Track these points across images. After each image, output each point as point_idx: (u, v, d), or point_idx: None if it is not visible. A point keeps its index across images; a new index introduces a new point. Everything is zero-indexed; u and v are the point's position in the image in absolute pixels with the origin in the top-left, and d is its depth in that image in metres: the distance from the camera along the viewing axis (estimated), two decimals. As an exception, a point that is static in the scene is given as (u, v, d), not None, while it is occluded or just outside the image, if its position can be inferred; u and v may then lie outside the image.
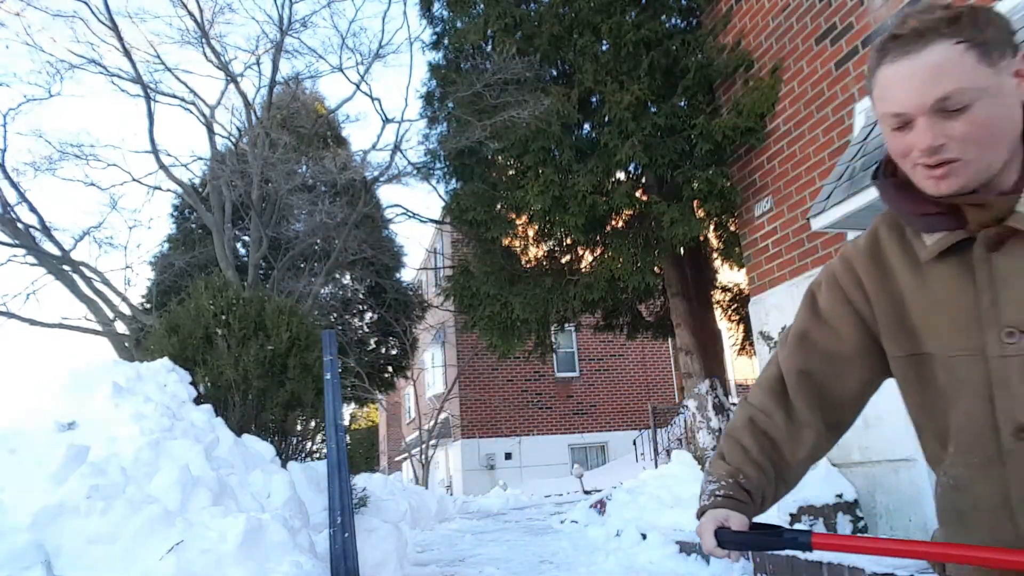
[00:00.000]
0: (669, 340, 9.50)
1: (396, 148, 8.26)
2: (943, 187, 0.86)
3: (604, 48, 6.10)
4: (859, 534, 4.15)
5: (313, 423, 3.95)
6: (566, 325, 8.10)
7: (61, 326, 7.76)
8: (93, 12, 7.33)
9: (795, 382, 1.09)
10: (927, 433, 1.04)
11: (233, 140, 8.90)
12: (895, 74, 0.86)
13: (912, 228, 0.94)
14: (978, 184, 0.87)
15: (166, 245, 11.28)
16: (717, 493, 1.06)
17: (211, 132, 8.27)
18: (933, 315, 0.94)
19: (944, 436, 0.98)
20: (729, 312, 8.92)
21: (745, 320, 8.39)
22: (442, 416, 16.03)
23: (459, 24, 7.01)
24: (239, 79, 8.31)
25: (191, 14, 7.77)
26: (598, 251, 7.22)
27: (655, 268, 6.73)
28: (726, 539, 1.04)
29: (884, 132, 0.89)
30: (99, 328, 7.71)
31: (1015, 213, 0.85)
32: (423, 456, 14.83)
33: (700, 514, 1.04)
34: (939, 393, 0.97)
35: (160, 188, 9.20)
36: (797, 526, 3.98)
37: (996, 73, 0.83)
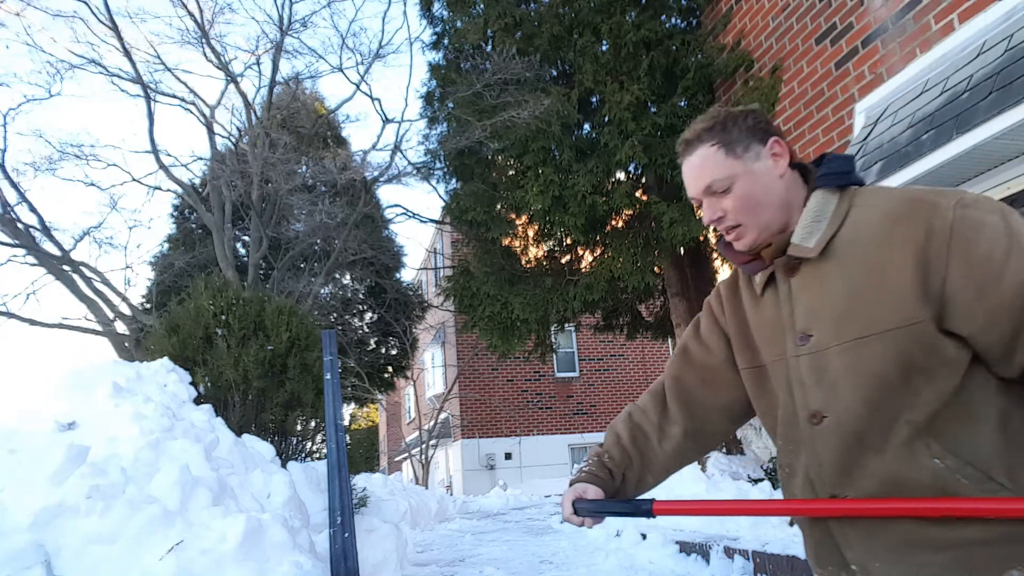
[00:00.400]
0: (669, 340, 9.49)
1: (396, 148, 8.27)
2: (740, 245, 1.18)
3: (604, 48, 6.10)
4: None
5: (313, 423, 3.95)
6: (566, 325, 8.10)
7: (61, 326, 7.76)
8: (93, 12, 7.34)
9: (671, 386, 1.33)
10: (768, 430, 1.27)
11: (233, 140, 8.90)
12: (684, 170, 1.21)
13: (741, 270, 1.26)
14: (770, 236, 1.17)
15: (166, 245, 11.28)
16: (583, 469, 1.31)
17: (211, 132, 8.28)
18: (762, 332, 1.21)
19: (774, 430, 1.22)
20: (729, 312, 8.92)
21: (745, 320, 8.38)
22: (442, 416, 16.04)
23: (459, 24, 7.01)
24: (239, 79, 8.31)
25: (191, 14, 7.78)
26: (598, 251, 7.22)
27: (655, 268, 6.73)
28: (580, 507, 1.25)
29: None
30: (99, 328, 7.71)
31: (790, 245, 1.14)
32: (423, 456, 14.84)
33: (569, 486, 1.29)
34: (771, 396, 1.21)
35: (160, 188, 9.20)
36: (797, 526, 3.97)
37: (743, 162, 1.15)
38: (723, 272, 9.03)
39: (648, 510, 1.20)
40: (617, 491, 1.31)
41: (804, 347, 1.12)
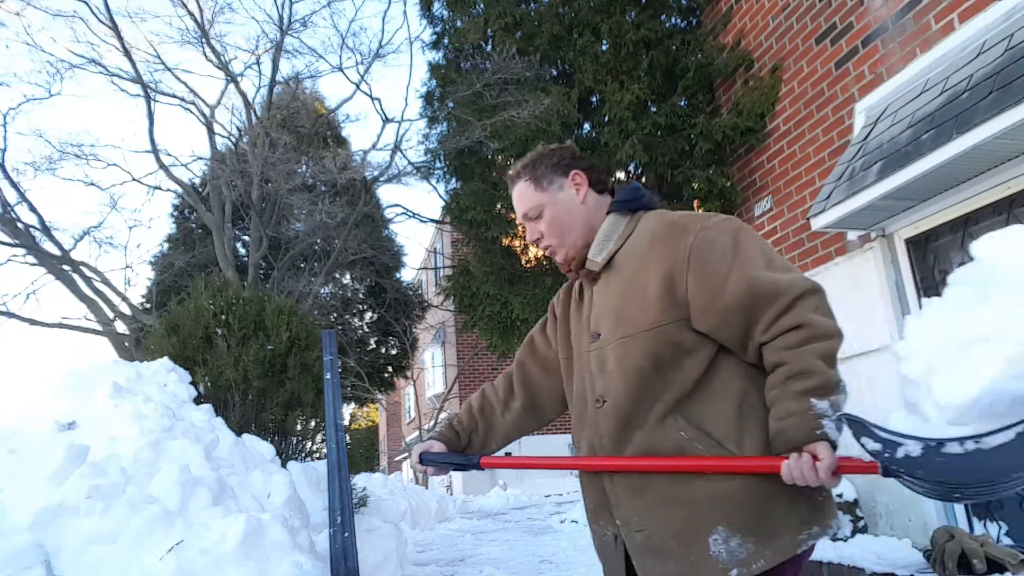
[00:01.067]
0: (669, 340, 9.49)
1: (396, 148, 8.27)
2: (557, 259, 1.48)
3: (604, 48, 6.09)
4: (859, 534, 4.15)
5: (313, 423, 3.95)
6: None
7: (61, 326, 7.76)
8: (93, 12, 7.33)
9: (517, 370, 1.64)
10: (571, 411, 1.55)
11: (233, 140, 8.89)
12: (513, 198, 1.51)
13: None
14: (577, 252, 1.45)
15: (166, 245, 11.28)
16: (436, 430, 1.61)
17: (211, 132, 8.27)
18: (575, 330, 1.49)
19: (572, 406, 1.52)
20: (729, 312, 8.93)
21: (745, 320, 8.38)
22: (442, 416, 16.03)
23: (459, 24, 7.00)
24: (239, 79, 8.31)
25: (191, 14, 7.77)
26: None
27: (655, 268, 6.72)
28: (425, 458, 1.57)
29: None
30: (99, 328, 7.71)
31: (587, 260, 1.42)
32: (423, 456, 14.81)
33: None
34: (573, 383, 1.48)
35: (160, 188, 9.20)
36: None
37: (549, 194, 1.45)
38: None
39: (476, 463, 1.54)
40: (463, 450, 1.61)
41: (594, 344, 1.39)
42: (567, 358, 1.51)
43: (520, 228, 1.34)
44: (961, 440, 1.01)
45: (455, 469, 1.60)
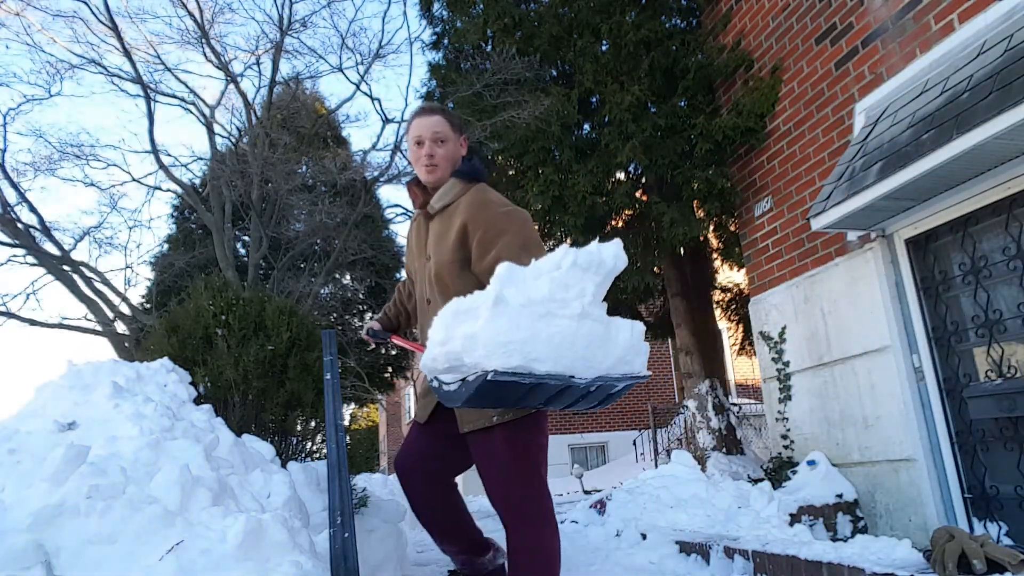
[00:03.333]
0: (669, 340, 9.49)
1: (396, 148, 8.26)
2: (431, 176, 2.13)
3: (604, 48, 6.09)
4: (859, 534, 4.15)
5: (313, 423, 3.94)
6: (566, 325, 8.07)
7: (61, 326, 7.75)
8: (93, 12, 7.32)
9: (407, 275, 2.43)
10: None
11: (233, 140, 8.88)
12: (420, 123, 2.13)
13: (415, 208, 2.23)
14: (439, 183, 2.14)
15: (166, 245, 11.26)
16: (378, 312, 2.47)
17: (211, 132, 8.27)
18: (417, 250, 2.21)
19: (417, 306, 2.28)
20: (729, 312, 8.92)
21: (745, 320, 8.39)
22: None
23: (459, 24, 7.00)
24: (239, 79, 8.30)
25: (191, 14, 7.76)
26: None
27: (655, 268, 6.73)
28: (369, 331, 2.40)
29: (409, 150, 2.20)
30: (99, 328, 7.70)
31: (429, 204, 2.14)
32: (423, 456, 14.80)
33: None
34: (415, 287, 2.26)
35: (160, 188, 9.18)
36: (797, 526, 3.98)
37: (455, 136, 2.16)
38: (723, 272, 9.04)
39: (387, 339, 2.34)
40: (395, 328, 2.48)
41: (428, 263, 2.11)
42: (412, 271, 2.28)
43: (414, 144, 2.15)
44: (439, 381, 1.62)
45: (380, 343, 2.40)
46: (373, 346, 2.37)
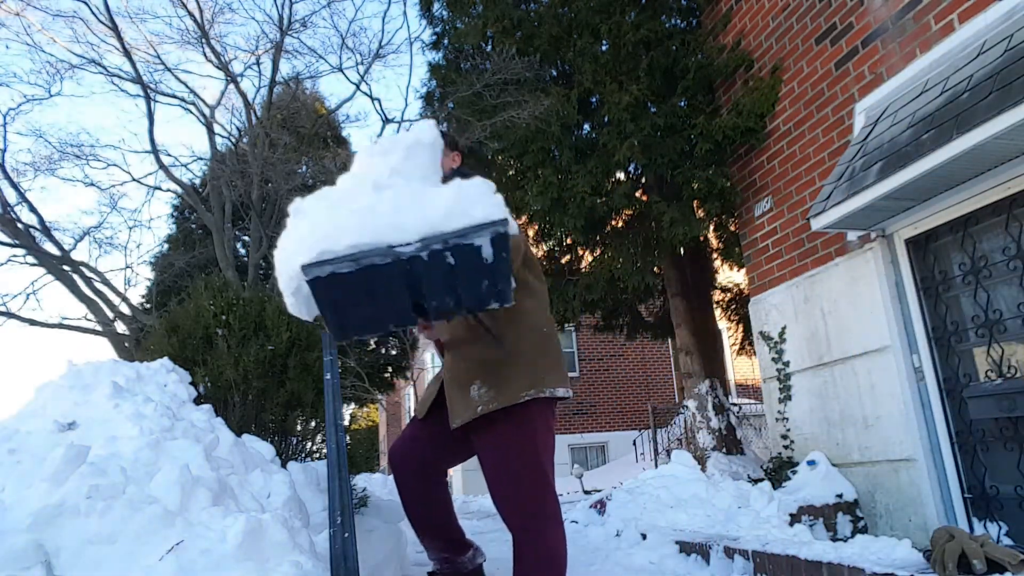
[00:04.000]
0: (669, 340, 9.49)
1: (396, 148, 8.23)
2: None
3: (604, 48, 6.08)
4: (859, 534, 4.15)
5: (313, 423, 3.94)
6: (566, 325, 8.10)
7: (61, 326, 7.75)
8: (93, 12, 7.32)
9: None
10: None
11: (233, 140, 8.88)
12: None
13: None
14: None
15: (166, 245, 11.26)
16: None
17: (211, 132, 8.27)
18: None
19: None
20: (729, 312, 8.92)
21: (745, 320, 8.38)
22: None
23: (459, 25, 7.00)
24: (239, 79, 8.30)
25: (191, 14, 7.76)
26: (598, 251, 7.21)
27: (655, 268, 6.72)
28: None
29: None
30: (99, 328, 7.69)
31: None
32: (423, 456, 14.79)
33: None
34: None
35: (160, 188, 9.18)
36: (797, 526, 3.98)
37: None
38: (723, 272, 9.04)
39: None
40: None
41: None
42: None
43: None
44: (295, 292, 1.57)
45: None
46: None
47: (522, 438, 2.05)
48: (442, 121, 7.37)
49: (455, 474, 16.45)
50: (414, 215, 1.48)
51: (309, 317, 1.62)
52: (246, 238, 10.04)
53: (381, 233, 1.46)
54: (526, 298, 2.08)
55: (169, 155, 13.18)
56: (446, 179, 2.14)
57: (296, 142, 8.58)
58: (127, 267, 10.78)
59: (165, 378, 3.05)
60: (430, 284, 1.53)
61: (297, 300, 1.57)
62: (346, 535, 2.02)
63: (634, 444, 14.85)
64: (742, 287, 8.57)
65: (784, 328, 5.13)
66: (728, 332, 10.12)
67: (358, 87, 8.30)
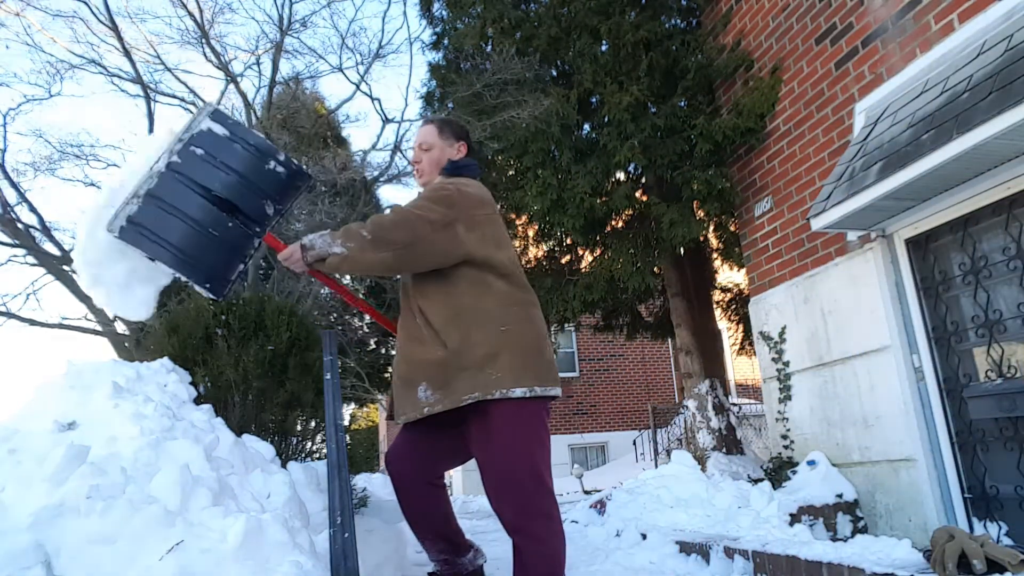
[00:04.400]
0: (669, 340, 9.48)
1: (396, 148, 8.26)
2: (420, 180, 2.38)
3: (603, 49, 6.08)
4: (859, 534, 4.15)
5: (313, 423, 3.94)
6: (566, 325, 8.10)
7: (61, 326, 7.74)
8: (93, 12, 7.31)
9: None
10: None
11: (233, 140, 8.86)
12: (418, 130, 2.43)
13: None
14: (426, 185, 2.35)
15: (166, 245, 11.24)
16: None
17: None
18: None
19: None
20: (729, 312, 8.92)
21: (745, 320, 8.38)
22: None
23: (459, 25, 7.00)
24: (239, 79, 8.29)
25: (191, 14, 7.76)
26: (598, 252, 7.21)
27: (655, 268, 6.72)
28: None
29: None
30: (99, 328, 7.69)
31: None
32: (423, 456, 14.79)
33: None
34: None
35: (160, 188, 9.16)
36: (797, 526, 3.98)
37: (445, 141, 2.37)
38: (723, 272, 9.04)
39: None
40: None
41: None
42: None
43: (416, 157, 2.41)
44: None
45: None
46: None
47: (510, 436, 2.05)
48: (443, 102, 7.37)
49: (455, 474, 16.44)
50: (155, 147, 1.99)
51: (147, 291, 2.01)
52: (246, 238, 10.01)
53: (140, 179, 1.91)
54: (483, 295, 2.09)
55: (169, 155, 13.12)
56: (445, 171, 2.33)
57: (296, 142, 8.58)
58: (127, 267, 10.74)
59: (165, 378, 3.05)
60: (206, 178, 1.91)
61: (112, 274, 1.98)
62: (346, 535, 2.02)
63: (634, 444, 14.85)
64: (742, 287, 8.57)
65: (784, 328, 5.13)
66: (728, 332, 10.12)
67: (358, 87, 8.30)
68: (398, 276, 2.59)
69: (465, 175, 2.32)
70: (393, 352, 13.53)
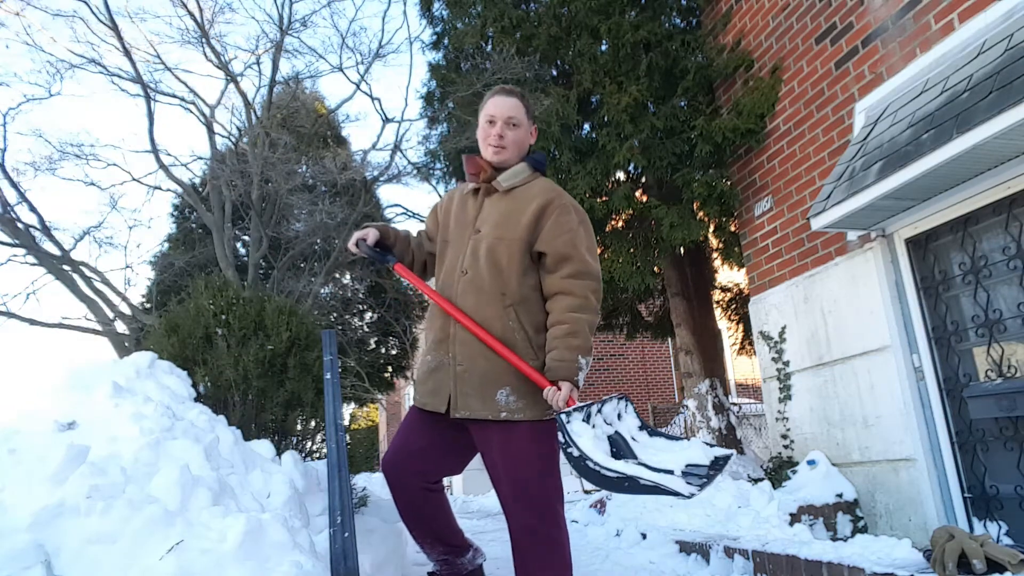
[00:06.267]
0: (669, 340, 9.49)
1: (396, 148, 8.27)
2: (498, 157, 2.21)
3: (603, 49, 6.08)
4: (859, 534, 4.15)
5: (313, 423, 3.94)
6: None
7: (61, 326, 7.74)
8: (93, 12, 7.32)
9: (419, 234, 2.48)
10: (435, 278, 2.32)
11: (233, 140, 8.88)
12: (497, 102, 2.21)
13: (467, 180, 2.29)
14: (505, 165, 2.23)
15: (166, 245, 11.26)
16: (378, 223, 2.36)
17: (211, 132, 8.26)
18: (457, 221, 2.26)
19: (438, 278, 2.27)
20: (729, 312, 8.92)
21: (745, 320, 8.38)
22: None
23: (459, 25, 6.99)
24: (239, 79, 8.29)
25: (191, 14, 7.76)
26: (597, 252, 7.20)
27: (655, 268, 6.71)
28: (362, 244, 2.28)
29: (480, 126, 2.27)
30: (99, 328, 7.70)
31: (496, 181, 2.20)
32: (423, 456, 14.77)
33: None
34: (444, 259, 2.26)
35: (160, 188, 9.17)
36: (797, 526, 3.98)
37: (529, 121, 2.26)
38: (722, 272, 9.04)
39: (392, 263, 2.28)
40: (390, 248, 2.34)
41: (475, 235, 2.15)
42: (444, 241, 2.27)
43: (487, 122, 2.23)
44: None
45: (372, 259, 2.29)
46: (360, 256, 2.38)
47: (543, 447, 2.08)
48: (443, 102, 7.37)
49: (455, 476, 16.41)
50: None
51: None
52: (246, 238, 10.04)
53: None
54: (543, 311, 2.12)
55: (169, 155, 13.19)
56: (526, 161, 2.26)
57: (296, 142, 8.58)
58: (127, 267, 10.77)
59: (165, 378, 3.05)
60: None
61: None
62: (346, 535, 2.02)
63: (634, 444, 14.81)
64: (742, 287, 8.57)
65: (784, 328, 5.13)
66: (728, 332, 10.12)
67: (358, 87, 8.30)
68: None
69: (542, 171, 2.28)
70: (394, 352, 13.52)
